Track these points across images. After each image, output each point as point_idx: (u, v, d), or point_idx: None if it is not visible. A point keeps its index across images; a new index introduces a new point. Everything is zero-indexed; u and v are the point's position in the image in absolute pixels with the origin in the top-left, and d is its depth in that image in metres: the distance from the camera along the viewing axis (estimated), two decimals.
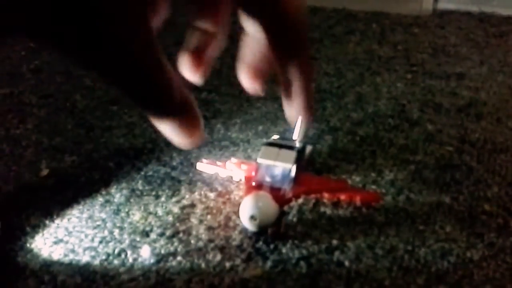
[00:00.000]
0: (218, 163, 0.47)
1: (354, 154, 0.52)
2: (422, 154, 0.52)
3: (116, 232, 0.42)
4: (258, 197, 0.40)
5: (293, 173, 0.43)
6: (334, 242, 0.41)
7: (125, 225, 0.42)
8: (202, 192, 0.46)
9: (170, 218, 0.43)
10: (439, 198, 0.46)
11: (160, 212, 0.44)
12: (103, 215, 0.44)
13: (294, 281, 0.37)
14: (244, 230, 0.41)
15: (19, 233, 0.42)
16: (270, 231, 0.40)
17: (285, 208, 0.43)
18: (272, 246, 0.40)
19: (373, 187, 0.47)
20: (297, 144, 0.44)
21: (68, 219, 0.43)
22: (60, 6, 0.16)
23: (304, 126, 0.37)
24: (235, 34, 0.31)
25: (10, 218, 0.43)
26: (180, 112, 0.23)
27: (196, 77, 0.25)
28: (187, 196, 0.46)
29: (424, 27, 0.88)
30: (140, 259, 0.39)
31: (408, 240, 0.41)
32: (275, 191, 0.42)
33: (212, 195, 0.46)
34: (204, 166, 0.47)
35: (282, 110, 0.34)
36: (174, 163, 0.50)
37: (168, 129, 0.23)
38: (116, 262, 0.39)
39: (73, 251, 0.40)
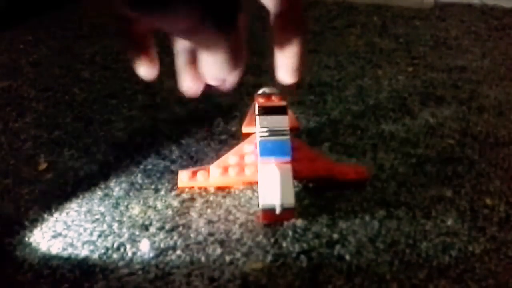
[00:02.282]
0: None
1: (355, 147, 0.52)
2: (423, 147, 0.52)
3: (115, 226, 0.41)
4: None
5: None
6: (335, 236, 0.40)
7: (124, 219, 0.42)
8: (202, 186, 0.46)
9: (170, 212, 0.43)
10: (440, 192, 0.45)
11: (159, 205, 0.44)
12: (102, 209, 0.43)
13: (295, 275, 0.37)
14: (244, 224, 0.41)
15: (17, 227, 0.41)
16: None
17: None
18: (272, 240, 0.40)
19: (374, 180, 0.47)
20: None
21: (67, 213, 0.43)
22: None
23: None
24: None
25: (8, 212, 0.43)
26: None
27: None
28: (186, 190, 0.45)
29: (426, 20, 0.87)
30: (139, 253, 0.39)
31: (409, 234, 0.41)
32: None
33: (211, 188, 0.45)
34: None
35: None
36: (174, 157, 0.50)
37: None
38: (115, 256, 0.39)
39: (72, 245, 0.40)
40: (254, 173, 0.44)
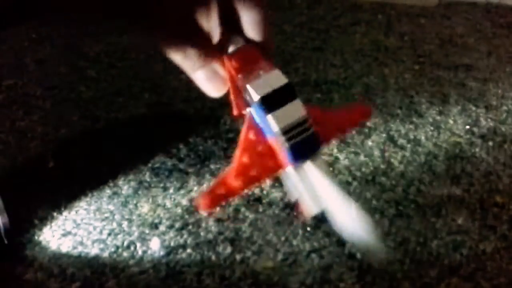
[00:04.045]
0: None
1: (362, 145, 0.51)
2: (432, 145, 0.51)
3: (125, 224, 0.41)
4: None
5: None
6: None
7: (134, 217, 0.42)
8: (211, 184, 0.46)
9: (179, 210, 0.43)
10: (450, 190, 0.45)
11: (168, 204, 0.43)
12: (111, 207, 0.43)
13: (306, 274, 0.37)
14: (253, 223, 0.41)
15: (27, 225, 0.41)
16: None
17: None
18: (283, 238, 0.40)
19: (383, 179, 0.46)
20: None
21: (76, 211, 0.43)
22: None
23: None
24: None
25: (17, 210, 0.43)
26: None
27: None
28: (195, 188, 0.45)
29: (431, 18, 0.87)
30: (149, 252, 0.39)
31: (419, 232, 0.41)
32: None
33: None
34: None
35: None
36: (182, 155, 0.50)
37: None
38: (125, 254, 0.38)
39: (81, 243, 0.40)
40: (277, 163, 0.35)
